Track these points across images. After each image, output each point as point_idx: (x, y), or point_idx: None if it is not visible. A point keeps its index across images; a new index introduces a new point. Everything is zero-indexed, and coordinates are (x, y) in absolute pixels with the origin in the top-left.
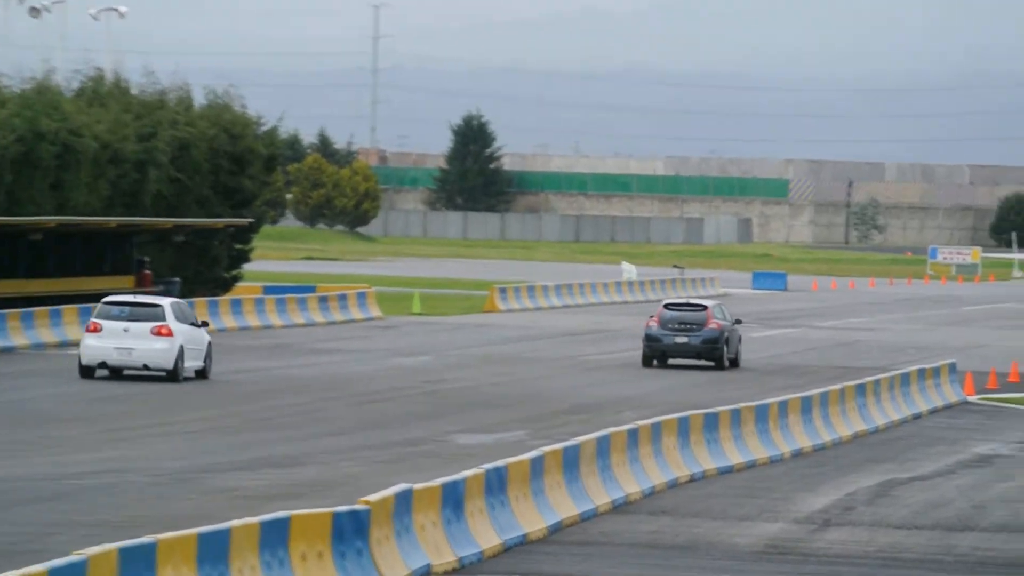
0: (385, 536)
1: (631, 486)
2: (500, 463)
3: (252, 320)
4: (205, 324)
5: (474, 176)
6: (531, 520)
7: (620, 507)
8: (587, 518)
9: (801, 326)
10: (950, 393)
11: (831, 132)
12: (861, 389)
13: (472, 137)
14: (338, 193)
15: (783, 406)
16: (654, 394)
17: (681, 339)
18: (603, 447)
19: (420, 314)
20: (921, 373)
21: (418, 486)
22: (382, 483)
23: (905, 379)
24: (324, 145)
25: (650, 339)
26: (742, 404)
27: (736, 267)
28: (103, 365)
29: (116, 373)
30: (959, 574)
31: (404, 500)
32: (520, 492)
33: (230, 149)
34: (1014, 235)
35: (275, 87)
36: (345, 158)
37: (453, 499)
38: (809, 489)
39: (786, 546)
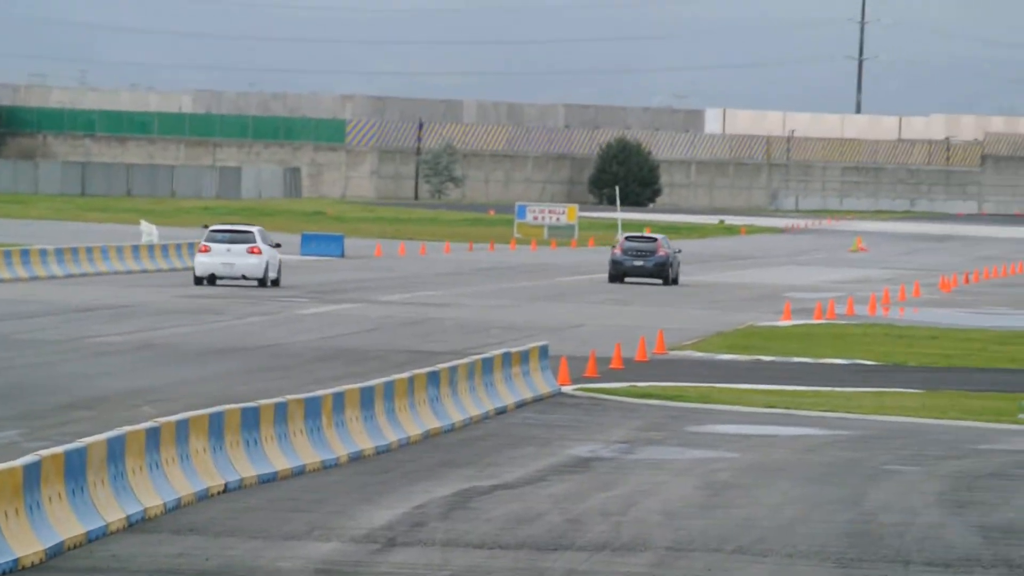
0: None
1: (151, 498)
2: None
3: None
4: (279, 245)
5: None
6: (24, 542)
7: (137, 524)
8: (95, 538)
9: (361, 301)
10: (541, 382)
11: (397, 63)
12: (434, 378)
13: None
14: None
15: (339, 399)
16: (181, 384)
17: (638, 263)
18: (116, 450)
19: None
20: (507, 358)
21: None
22: None
23: (487, 365)
24: None
25: (615, 263)
26: (288, 397)
27: (282, 227)
28: (212, 276)
29: (212, 282)
30: None
31: None
32: (10, 507)
33: None
34: (617, 190)
35: None
36: None
37: None
38: (370, 500)
39: (342, 570)
